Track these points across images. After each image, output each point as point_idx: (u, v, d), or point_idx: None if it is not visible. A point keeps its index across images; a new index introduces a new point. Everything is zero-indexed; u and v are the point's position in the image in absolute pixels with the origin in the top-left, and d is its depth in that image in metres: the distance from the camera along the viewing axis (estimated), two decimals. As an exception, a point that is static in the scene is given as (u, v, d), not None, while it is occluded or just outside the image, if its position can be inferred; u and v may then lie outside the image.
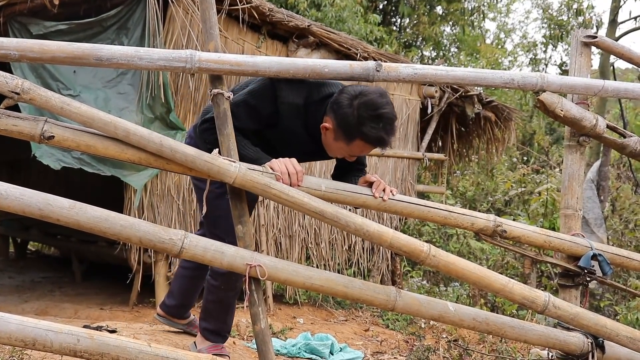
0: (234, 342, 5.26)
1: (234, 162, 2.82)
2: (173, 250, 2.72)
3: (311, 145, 3.27)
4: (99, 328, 4.50)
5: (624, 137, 3.57)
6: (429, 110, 8.35)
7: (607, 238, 9.45)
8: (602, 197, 10.00)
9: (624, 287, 3.93)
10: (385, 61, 6.32)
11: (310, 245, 7.40)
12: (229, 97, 2.96)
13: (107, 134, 2.65)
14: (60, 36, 6.00)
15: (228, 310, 3.70)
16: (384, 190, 3.10)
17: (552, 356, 3.63)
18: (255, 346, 3.14)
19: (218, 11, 5.80)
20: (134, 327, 5.21)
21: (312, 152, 3.36)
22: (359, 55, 7.23)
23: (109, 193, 7.39)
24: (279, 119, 3.14)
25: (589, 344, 3.39)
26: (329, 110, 3.06)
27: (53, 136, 2.59)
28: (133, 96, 6.35)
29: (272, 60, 2.97)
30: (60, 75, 6.12)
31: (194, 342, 3.79)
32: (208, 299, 3.64)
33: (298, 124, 3.17)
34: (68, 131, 2.62)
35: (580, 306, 3.49)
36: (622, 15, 11.88)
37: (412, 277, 9.46)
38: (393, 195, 3.11)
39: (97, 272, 8.80)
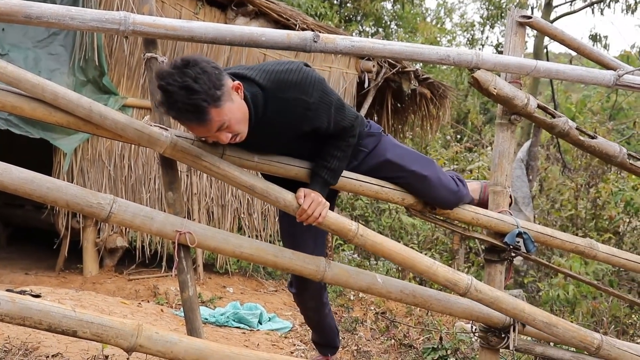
0: (162, 310, 5.25)
1: (166, 129, 2.77)
2: (101, 214, 2.68)
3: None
4: (22, 292, 4.43)
5: (554, 117, 3.65)
6: (366, 85, 8.35)
7: (534, 217, 9.71)
8: (530, 177, 10.27)
9: (547, 263, 4.05)
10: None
11: (242, 215, 7.37)
12: (163, 61, 2.90)
13: (35, 96, 2.57)
14: (-11, -8, 5.79)
15: (319, 323, 3.83)
16: (308, 208, 2.88)
17: (475, 329, 3.72)
18: (183, 314, 3.13)
19: (155, -26, 5.68)
20: (60, 292, 5.14)
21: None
22: (297, 26, 7.17)
23: (38, 157, 7.21)
24: None
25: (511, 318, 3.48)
26: None
27: (-23, 94, 2.51)
28: (65, 58, 6.19)
29: (208, 26, 2.92)
30: (-13, 33, 5.92)
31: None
32: None
33: None
34: (-7, 90, 2.54)
35: (504, 282, 3.57)
36: (557, -1, 12.09)
37: (343, 250, 9.54)
38: (320, 221, 2.94)
39: (23, 236, 8.61)
